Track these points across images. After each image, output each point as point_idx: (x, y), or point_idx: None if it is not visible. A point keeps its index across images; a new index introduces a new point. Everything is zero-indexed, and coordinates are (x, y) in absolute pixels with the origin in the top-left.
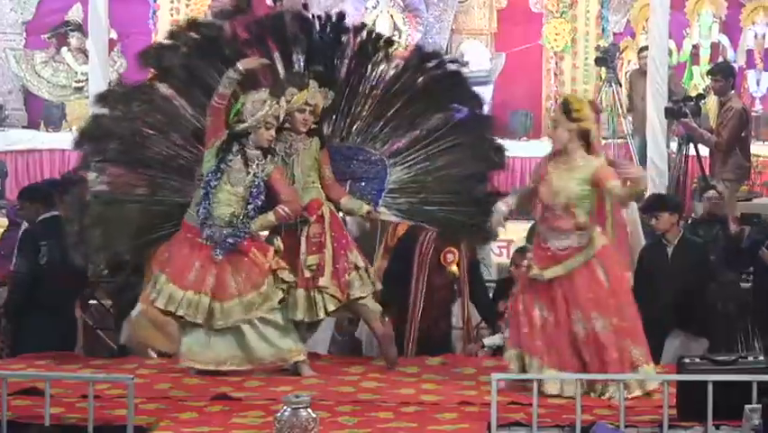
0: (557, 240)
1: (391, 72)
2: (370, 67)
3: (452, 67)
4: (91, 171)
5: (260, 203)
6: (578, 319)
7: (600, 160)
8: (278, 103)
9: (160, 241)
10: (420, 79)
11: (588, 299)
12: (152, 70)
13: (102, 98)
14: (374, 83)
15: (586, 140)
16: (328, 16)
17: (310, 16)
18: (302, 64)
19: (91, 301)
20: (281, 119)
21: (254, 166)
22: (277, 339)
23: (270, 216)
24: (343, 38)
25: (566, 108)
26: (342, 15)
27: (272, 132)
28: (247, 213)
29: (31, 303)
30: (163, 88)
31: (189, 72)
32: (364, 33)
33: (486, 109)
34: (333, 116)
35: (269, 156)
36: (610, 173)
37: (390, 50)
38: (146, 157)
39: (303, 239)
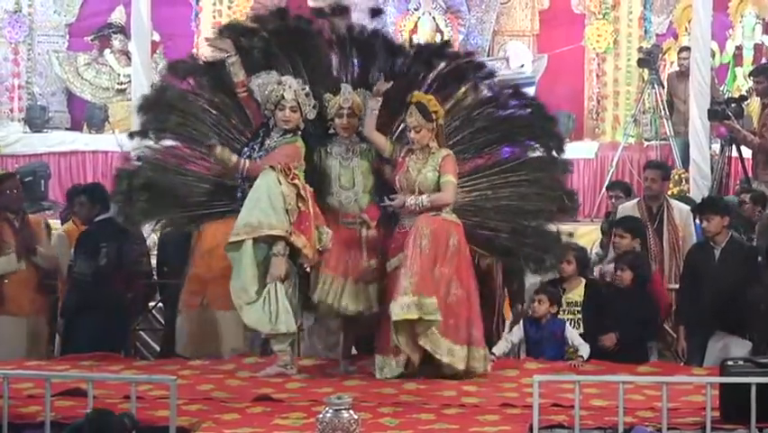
0: None
1: (469, 100)
2: (455, 91)
3: (543, 107)
4: (147, 139)
5: None
6: None
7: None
8: (280, 83)
9: (202, 218)
10: (501, 112)
11: None
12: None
13: (173, 68)
14: (453, 106)
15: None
16: (425, 46)
17: (403, 44)
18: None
19: (151, 303)
20: (293, 100)
21: (268, 140)
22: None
23: (232, 156)
24: (435, 61)
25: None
26: (447, 43)
27: (286, 112)
28: None
29: (87, 304)
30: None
31: (266, 57)
32: (459, 60)
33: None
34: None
35: (289, 134)
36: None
37: (481, 80)
38: (204, 135)
39: (364, 241)
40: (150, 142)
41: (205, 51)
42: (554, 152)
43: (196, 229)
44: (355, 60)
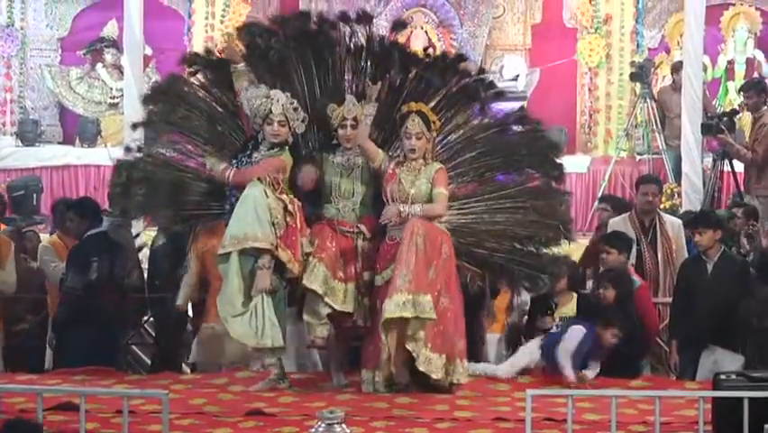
0: None
1: (475, 121)
2: (462, 110)
3: (551, 135)
4: (152, 130)
5: None
6: None
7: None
8: (268, 97)
9: (198, 218)
10: (504, 137)
11: None
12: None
13: (192, 59)
14: (457, 126)
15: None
16: (441, 57)
17: (419, 55)
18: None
19: (144, 318)
20: (281, 114)
21: (256, 153)
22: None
23: (219, 165)
24: (448, 76)
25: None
26: (462, 57)
27: (274, 126)
28: None
29: (78, 318)
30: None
31: (281, 60)
32: (471, 78)
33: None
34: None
35: (275, 148)
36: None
37: (492, 100)
38: (207, 131)
39: (359, 251)
40: (153, 135)
41: None
42: (554, 182)
43: (191, 228)
44: (369, 71)
